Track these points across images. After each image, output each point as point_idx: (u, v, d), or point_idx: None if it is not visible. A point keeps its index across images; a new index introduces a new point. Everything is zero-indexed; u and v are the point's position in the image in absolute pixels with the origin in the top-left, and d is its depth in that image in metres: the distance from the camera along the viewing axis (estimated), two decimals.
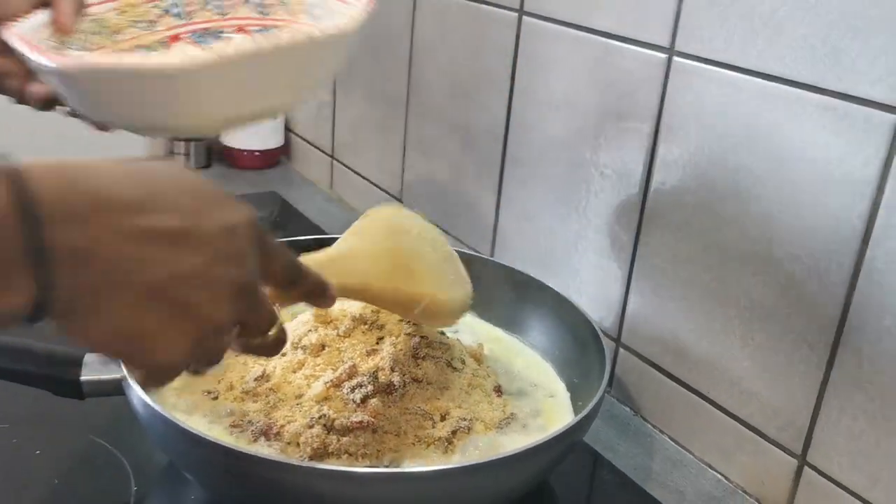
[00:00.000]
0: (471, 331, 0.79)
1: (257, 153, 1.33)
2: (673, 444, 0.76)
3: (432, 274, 0.65)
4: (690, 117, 0.69)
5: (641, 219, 0.75)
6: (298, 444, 0.57)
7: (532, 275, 0.79)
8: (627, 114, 0.75)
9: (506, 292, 0.80)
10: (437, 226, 1.05)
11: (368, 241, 0.63)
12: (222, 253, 0.38)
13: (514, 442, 0.62)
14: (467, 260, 0.82)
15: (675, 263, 0.72)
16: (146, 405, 0.55)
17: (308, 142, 1.33)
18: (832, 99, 0.58)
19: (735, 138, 0.66)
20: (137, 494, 0.62)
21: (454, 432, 0.60)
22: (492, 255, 0.94)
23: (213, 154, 1.35)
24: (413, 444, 0.59)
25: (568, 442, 0.59)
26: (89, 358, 0.62)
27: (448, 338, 0.70)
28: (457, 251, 0.84)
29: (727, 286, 0.68)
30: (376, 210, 0.67)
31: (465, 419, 0.61)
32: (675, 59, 0.69)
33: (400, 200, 1.11)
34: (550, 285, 0.77)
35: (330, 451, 0.57)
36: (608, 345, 0.68)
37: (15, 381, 0.61)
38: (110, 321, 0.36)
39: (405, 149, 1.08)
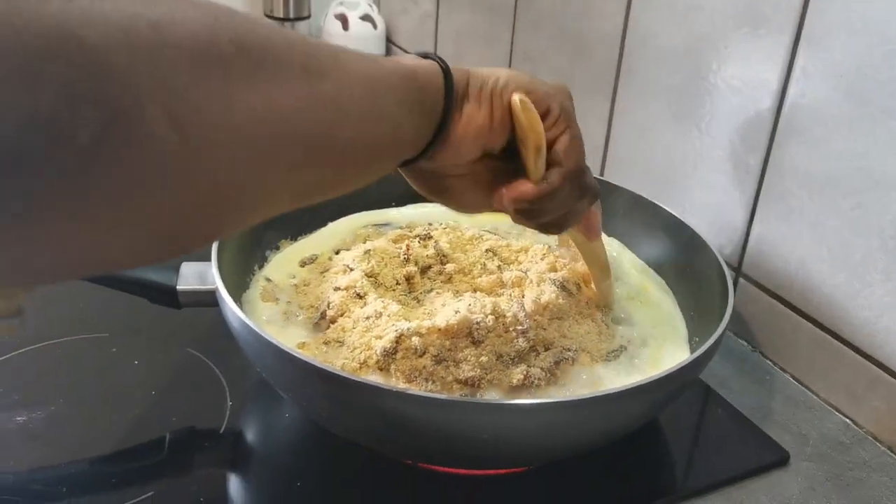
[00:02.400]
0: None
1: None
2: (795, 383, 0.70)
3: None
4: (838, 23, 0.60)
5: (773, 136, 0.68)
6: (390, 370, 0.55)
7: (646, 196, 0.73)
8: (763, 20, 0.67)
9: (617, 215, 0.75)
10: None
11: None
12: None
13: (621, 377, 0.58)
14: None
15: (811, 187, 0.65)
16: (238, 318, 0.53)
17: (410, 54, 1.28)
18: None
19: (889, 46, 0.57)
20: (232, 409, 0.62)
21: (557, 363, 0.56)
22: (601, 174, 0.88)
23: None
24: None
25: (680, 381, 0.54)
26: (186, 268, 0.61)
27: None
28: None
29: (870, 213, 0.61)
30: None
31: (569, 349, 0.57)
32: None
33: None
34: (667, 208, 0.71)
35: (425, 376, 0.54)
36: (728, 275, 0.62)
37: (112, 286, 0.61)
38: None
39: (511, 60, 1.02)
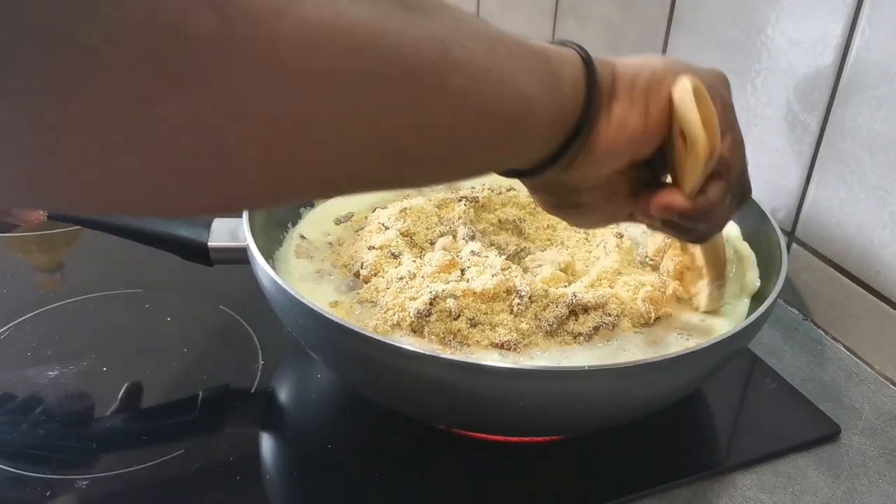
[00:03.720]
0: None
1: None
2: (849, 354, 0.66)
3: None
4: None
5: (834, 94, 0.64)
6: (424, 332, 0.53)
7: None
8: None
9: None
10: None
11: None
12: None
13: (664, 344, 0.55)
14: None
15: (873, 148, 0.61)
16: (267, 275, 0.52)
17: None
18: None
19: None
20: (264, 369, 0.61)
21: (596, 328, 0.54)
22: None
23: None
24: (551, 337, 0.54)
25: (726, 351, 0.51)
26: (218, 224, 0.60)
27: None
28: None
29: None
30: None
31: (609, 315, 0.55)
32: None
33: None
34: None
35: (460, 340, 0.52)
36: (781, 240, 0.59)
37: (143, 241, 0.60)
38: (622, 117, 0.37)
39: (556, 13, 0.98)
